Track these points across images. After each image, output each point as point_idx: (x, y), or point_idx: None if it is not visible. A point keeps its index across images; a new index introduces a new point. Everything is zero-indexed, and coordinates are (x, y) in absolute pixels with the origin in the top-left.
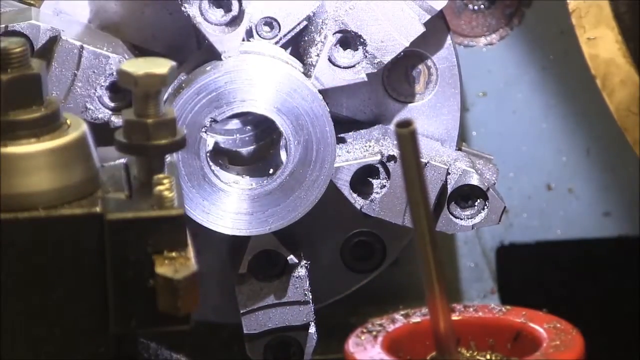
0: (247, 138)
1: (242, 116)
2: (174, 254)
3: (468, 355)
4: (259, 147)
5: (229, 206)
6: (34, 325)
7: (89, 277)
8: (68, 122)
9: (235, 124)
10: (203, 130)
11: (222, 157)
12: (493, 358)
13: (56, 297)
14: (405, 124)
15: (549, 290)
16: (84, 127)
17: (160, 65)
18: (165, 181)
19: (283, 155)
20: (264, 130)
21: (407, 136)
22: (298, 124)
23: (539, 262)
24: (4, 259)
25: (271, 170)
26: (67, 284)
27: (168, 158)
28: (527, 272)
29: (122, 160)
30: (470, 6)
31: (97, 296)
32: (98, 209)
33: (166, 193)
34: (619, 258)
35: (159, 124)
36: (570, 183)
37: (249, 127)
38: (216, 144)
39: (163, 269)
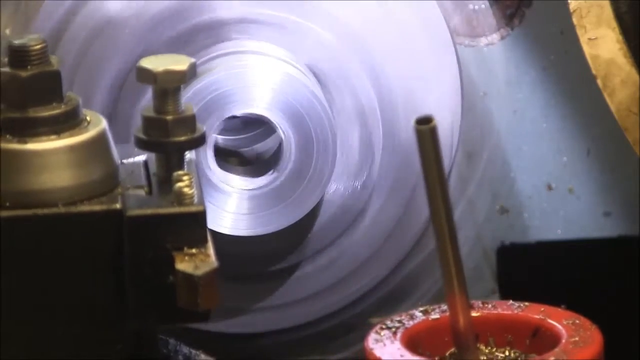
0: (247, 138)
1: (242, 116)
2: (194, 250)
3: (487, 351)
4: (259, 147)
5: (228, 206)
6: (52, 321)
7: (108, 273)
8: (88, 118)
9: (235, 123)
10: None
11: (223, 157)
12: (512, 354)
13: (75, 293)
14: (426, 121)
15: (550, 290)
16: (104, 124)
17: (180, 62)
18: (185, 178)
19: (283, 155)
20: (264, 130)
21: (427, 133)
22: (298, 124)
23: (539, 262)
24: (23, 254)
25: (271, 171)
26: (86, 280)
27: (187, 155)
28: (527, 272)
29: (142, 157)
30: (471, 6)
31: (117, 292)
32: (118, 206)
33: (186, 190)
34: (619, 258)
35: (178, 121)
36: (571, 183)
37: (249, 127)
38: (216, 143)
39: (183, 265)
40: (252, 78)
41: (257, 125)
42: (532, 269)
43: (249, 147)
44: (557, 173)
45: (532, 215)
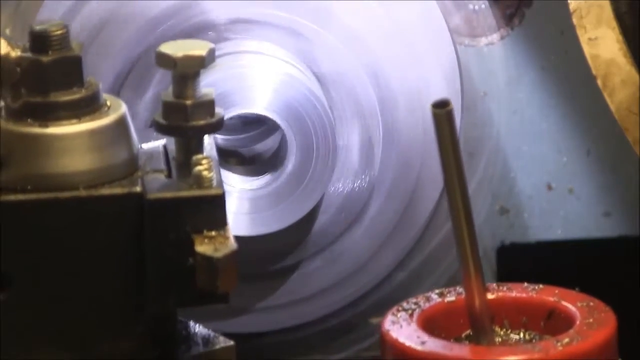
0: (247, 138)
1: (243, 116)
2: (213, 232)
3: (502, 333)
4: (259, 147)
5: (229, 206)
6: (73, 304)
7: (129, 256)
8: (108, 103)
9: (235, 123)
10: None
11: (222, 157)
12: (526, 336)
13: (95, 276)
14: (442, 104)
15: None
16: (124, 109)
17: (199, 47)
18: (204, 161)
19: (283, 155)
20: (264, 130)
21: (443, 116)
22: (298, 124)
23: (539, 262)
24: (45, 237)
25: (271, 171)
26: (107, 263)
27: (206, 139)
28: (527, 272)
29: (161, 141)
30: (471, 6)
31: (136, 275)
32: (138, 189)
33: (205, 173)
34: (619, 258)
35: (197, 105)
36: (571, 183)
37: (248, 127)
38: (216, 144)
39: (203, 247)
40: (252, 78)
41: (257, 125)
42: (532, 269)
43: (249, 147)
44: (557, 173)
45: (532, 215)
